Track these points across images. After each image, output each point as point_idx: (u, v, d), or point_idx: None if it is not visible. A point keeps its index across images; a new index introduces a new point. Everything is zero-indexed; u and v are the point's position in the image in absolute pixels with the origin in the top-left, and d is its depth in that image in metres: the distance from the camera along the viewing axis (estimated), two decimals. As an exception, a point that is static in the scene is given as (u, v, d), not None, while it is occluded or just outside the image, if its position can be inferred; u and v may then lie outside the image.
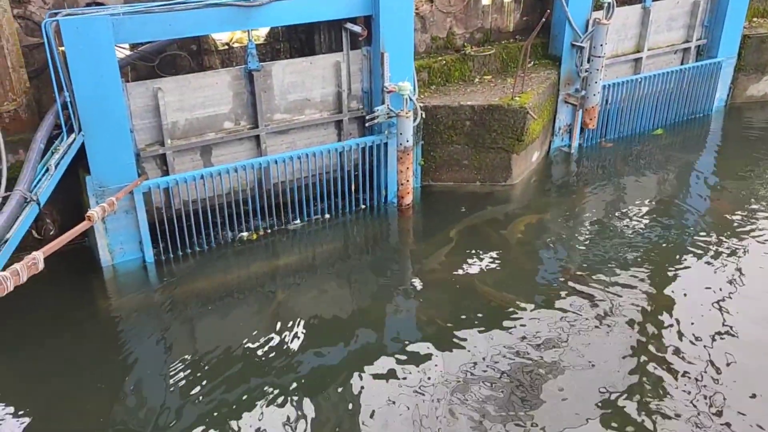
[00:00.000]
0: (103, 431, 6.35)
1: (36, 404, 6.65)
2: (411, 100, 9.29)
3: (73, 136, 7.78)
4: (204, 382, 6.83)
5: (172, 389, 6.79)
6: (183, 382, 6.85)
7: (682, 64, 12.82)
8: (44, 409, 6.61)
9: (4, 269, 4.97)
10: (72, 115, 7.75)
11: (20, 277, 4.89)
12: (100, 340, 7.58)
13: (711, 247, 8.95)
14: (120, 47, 8.47)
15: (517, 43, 11.47)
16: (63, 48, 7.46)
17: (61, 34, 7.32)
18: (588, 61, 11.01)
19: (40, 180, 7.24)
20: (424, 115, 9.80)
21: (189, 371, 6.98)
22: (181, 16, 7.88)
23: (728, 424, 6.20)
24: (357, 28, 9.17)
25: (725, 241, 9.05)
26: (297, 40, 10.24)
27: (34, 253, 5.16)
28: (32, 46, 8.25)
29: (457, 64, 10.92)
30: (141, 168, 8.42)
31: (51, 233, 8.36)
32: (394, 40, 9.23)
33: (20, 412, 6.51)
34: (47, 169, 7.37)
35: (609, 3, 10.62)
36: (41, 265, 5.16)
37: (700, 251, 8.87)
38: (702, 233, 9.30)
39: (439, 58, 10.84)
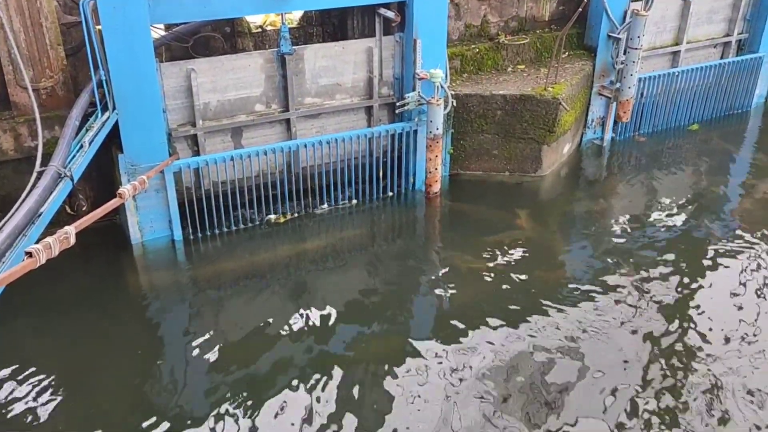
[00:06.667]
0: (128, 403, 6.48)
1: (64, 371, 6.83)
2: (442, 87, 9.23)
3: (107, 114, 7.89)
4: (227, 362, 6.91)
5: (195, 366, 6.89)
6: (207, 359, 6.94)
7: (721, 58, 12.53)
8: (71, 375, 6.78)
9: (37, 242, 5.06)
10: (107, 94, 7.86)
11: (52, 250, 4.96)
12: (128, 313, 7.73)
13: (744, 248, 8.75)
14: (155, 27, 8.54)
15: (552, 32, 11.30)
16: (99, 27, 7.55)
17: (98, 13, 7.41)
18: (624, 53, 10.79)
19: (74, 156, 7.35)
20: (455, 103, 9.72)
21: (213, 349, 7.07)
22: (216, -3, 7.93)
23: None
24: (390, 14, 9.12)
25: (759, 242, 8.84)
26: (330, 25, 10.22)
27: (66, 227, 5.23)
28: (70, 24, 8.37)
29: (490, 52, 10.80)
30: (172, 148, 8.52)
31: (83, 209, 8.49)
32: (428, 26, 9.16)
33: (50, 378, 6.68)
34: (81, 146, 7.48)
35: (648, -6, 10.41)
36: (73, 240, 5.24)
37: (732, 252, 8.68)
38: (735, 233, 9.10)
39: (473, 46, 10.73)
